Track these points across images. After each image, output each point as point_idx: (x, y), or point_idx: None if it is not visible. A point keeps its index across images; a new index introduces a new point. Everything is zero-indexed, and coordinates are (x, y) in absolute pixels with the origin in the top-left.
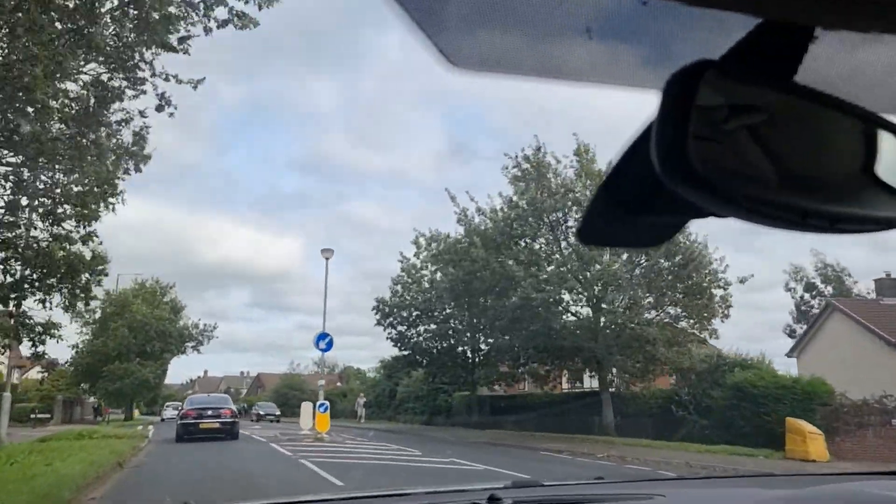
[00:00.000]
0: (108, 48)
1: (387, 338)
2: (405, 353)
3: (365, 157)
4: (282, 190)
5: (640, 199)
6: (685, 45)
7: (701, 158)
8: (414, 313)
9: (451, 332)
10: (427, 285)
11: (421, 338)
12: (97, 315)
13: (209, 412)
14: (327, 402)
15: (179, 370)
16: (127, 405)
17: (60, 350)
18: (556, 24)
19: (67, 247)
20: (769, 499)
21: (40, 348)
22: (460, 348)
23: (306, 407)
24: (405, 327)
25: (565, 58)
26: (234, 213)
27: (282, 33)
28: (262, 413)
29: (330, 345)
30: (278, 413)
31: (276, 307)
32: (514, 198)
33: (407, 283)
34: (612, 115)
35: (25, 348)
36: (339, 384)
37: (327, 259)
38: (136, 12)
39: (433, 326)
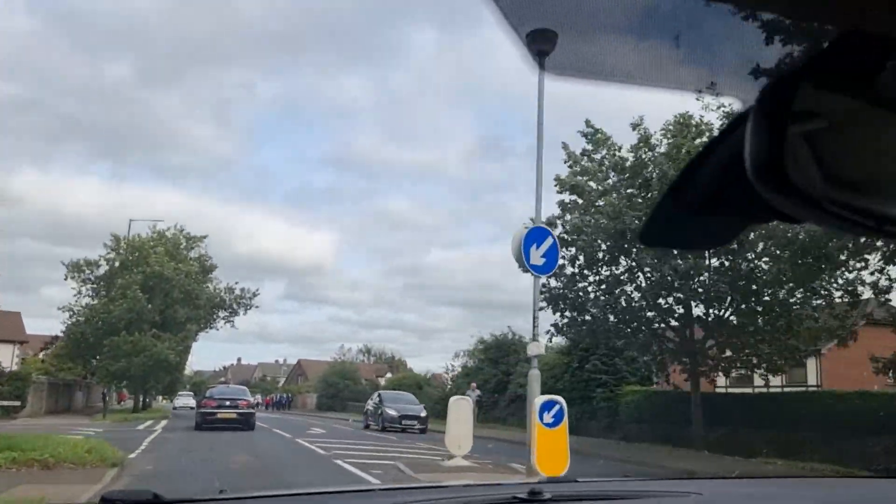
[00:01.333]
0: None
1: (552, 325)
2: (576, 341)
3: (396, 153)
4: (314, 185)
5: (711, 200)
6: (770, 53)
7: (792, 166)
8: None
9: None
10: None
11: (594, 313)
12: (101, 269)
13: (227, 403)
14: (562, 403)
15: (208, 356)
16: (138, 391)
17: None
18: (646, 32)
19: None
20: (805, 499)
21: None
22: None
23: (459, 406)
24: (575, 312)
25: (655, 65)
26: (268, 207)
27: (316, 29)
28: (395, 414)
29: (552, 257)
30: (424, 415)
31: (309, 299)
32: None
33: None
34: (646, 113)
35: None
36: (388, 374)
37: None
38: None
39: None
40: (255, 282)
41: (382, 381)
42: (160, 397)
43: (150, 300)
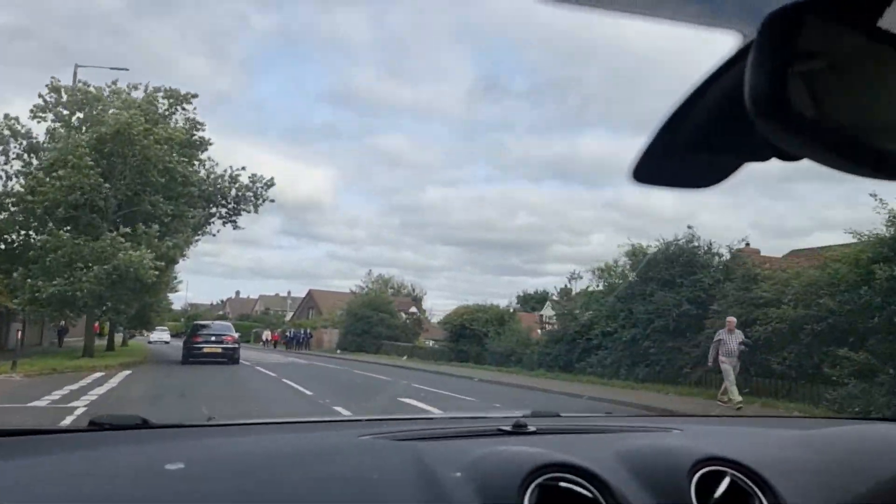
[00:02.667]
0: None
1: None
2: None
3: (394, 91)
4: (312, 121)
5: (705, 138)
6: None
7: (795, 101)
8: None
9: None
10: None
11: None
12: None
13: (213, 338)
14: None
15: (199, 291)
16: (91, 320)
17: None
18: None
19: None
20: (783, 437)
21: None
22: None
23: None
24: None
25: None
26: (266, 142)
27: None
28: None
29: None
30: None
31: (306, 236)
32: None
33: None
34: (645, 54)
35: None
36: (413, 310)
37: None
38: None
39: None
40: (252, 215)
41: (433, 317)
42: (142, 330)
43: (109, 177)
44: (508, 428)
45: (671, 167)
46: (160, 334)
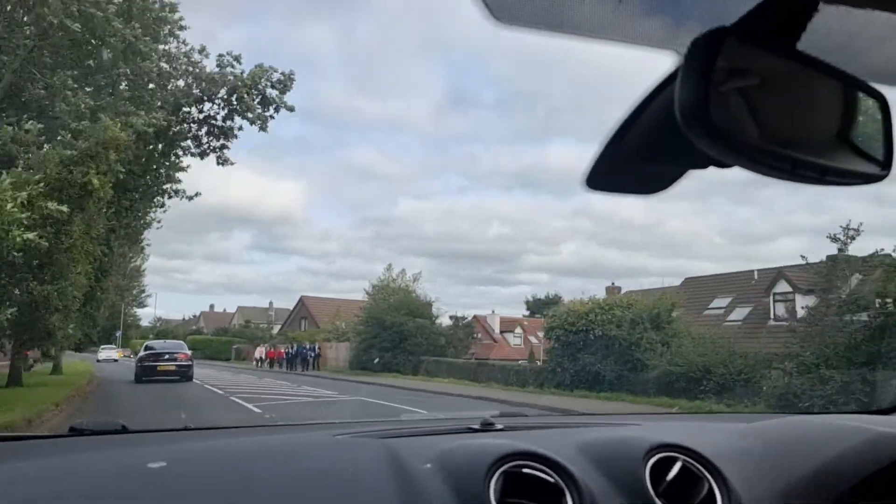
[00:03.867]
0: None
1: None
2: None
3: (363, 105)
4: (281, 136)
5: (648, 148)
6: (703, 11)
7: (716, 112)
8: None
9: None
10: None
11: None
12: None
13: (166, 356)
14: None
15: (176, 306)
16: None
17: None
18: None
19: None
20: (731, 429)
21: None
22: None
23: None
24: None
25: (598, 19)
26: (234, 157)
27: None
28: None
29: None
30: None
31: (276, 250)
32: None
33: None
34: (608, 66)
35: None
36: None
37: None
38: None
39: None
40: (223, 231)
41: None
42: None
43: None
44: (477, 426)
45: (620, 175)
46: (108, 353)
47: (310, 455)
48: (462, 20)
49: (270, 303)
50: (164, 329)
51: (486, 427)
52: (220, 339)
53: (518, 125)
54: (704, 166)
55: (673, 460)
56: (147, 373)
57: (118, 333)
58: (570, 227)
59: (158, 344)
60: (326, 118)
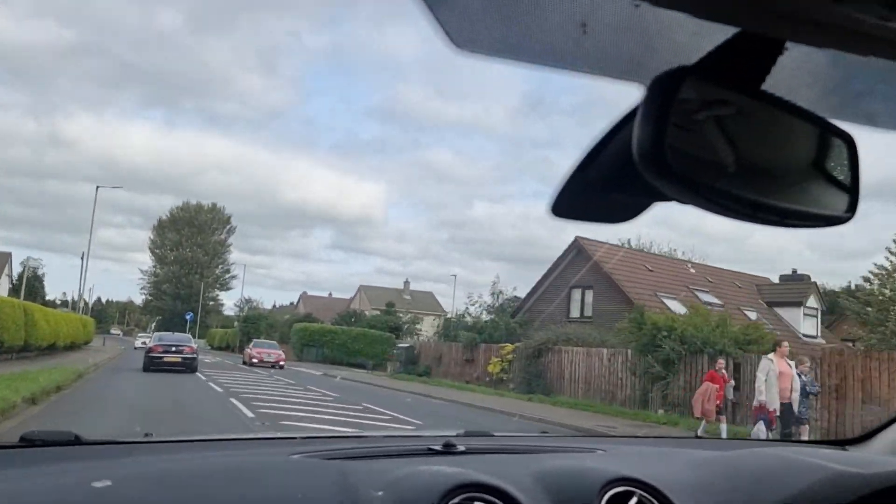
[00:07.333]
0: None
1: None
2: None
3: (441, 107)
4: (360, 136)
5: (613, 179)
6: (668, 44)
7: (673, 152)
8: None
9: None
10: None
11: None
12: None
13: (173, 348)
14: None
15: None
16: None
17: None
18: (554, 16)
19: None
20: (695, 458)
21: None
22: None
23: None
24: None
25: (561, 48)
26: (316, 156)
27: None
28: None
29: None
30: None
31: (355, 250)
32: None
33: None
34: None
35: None
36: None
37: None
38: None
39: None
40: (304, 229)
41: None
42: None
43: None
44: (438, 447)
45: (586, 203)
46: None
47: (260, 477)
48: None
49: (406, 281)
50: (254, 315)
51: (448, 449)
52: (352, 332)
53: (595, 131)
54: (669, 199)
55: (630, 494)
56: (154, 363)
57: (188, 317)
58: (651, 235)
59: (167, 337)
60: (405, 119)
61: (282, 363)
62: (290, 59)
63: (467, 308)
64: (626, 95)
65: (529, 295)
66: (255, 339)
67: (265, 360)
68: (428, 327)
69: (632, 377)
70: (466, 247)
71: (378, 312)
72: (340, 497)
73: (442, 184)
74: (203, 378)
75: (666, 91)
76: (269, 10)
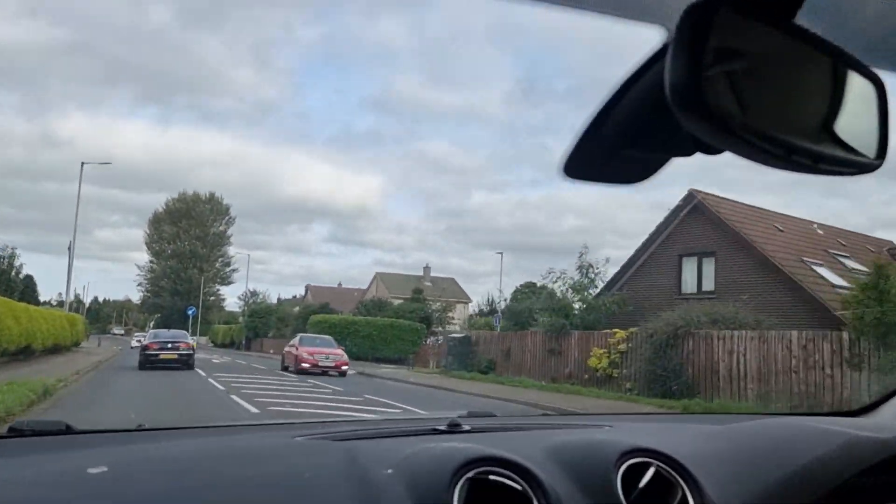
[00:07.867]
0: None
1: None
2: None
3: (436, 96)
4: (356, 128)
5: (630, 134)
6: None
7: (709, 93)
8: None
9: None
10: None
11: None
12: None
13: (169, 345)
14: None
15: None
16: None
17: None
18: None
19: None
20: (705, 431)
21: None
22: None
23: None
24: None
25: None
26: (311, 150)
27: None
28: None
29: None
30: None
31: (353, 243)
32: None
33: None
34: None
35: None
36: None
37: None
38: None
39: None
40: (301, 223)
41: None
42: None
43: None
44: (443, 427)
45: (599, 163)
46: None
47: (264, 459)
48: (531, 8)
49: (426, 267)
50: (260, 307)
51: (453, 429)
52: (378, 323)
53: (591, 114)
54: (690, 153)
55: (646, 465)
56: (150, 360)
57: (190, 311)
58: (650, 220)
59: (162, 333)
60: (400, 110)
61: (344, 368)
62: (283, 52)
63: (545, 286)
64: (623, 64)
65: (624, 269)
66: (300, 334)
67: (320, 363)
68: (458, 315)
69: (850, 372)
70: (465, 237)
71: (402, 301)
72: (349, 476)
73: (438, 174)
74: (221, 388)
75: (700, 21)
76: (260, 2)
